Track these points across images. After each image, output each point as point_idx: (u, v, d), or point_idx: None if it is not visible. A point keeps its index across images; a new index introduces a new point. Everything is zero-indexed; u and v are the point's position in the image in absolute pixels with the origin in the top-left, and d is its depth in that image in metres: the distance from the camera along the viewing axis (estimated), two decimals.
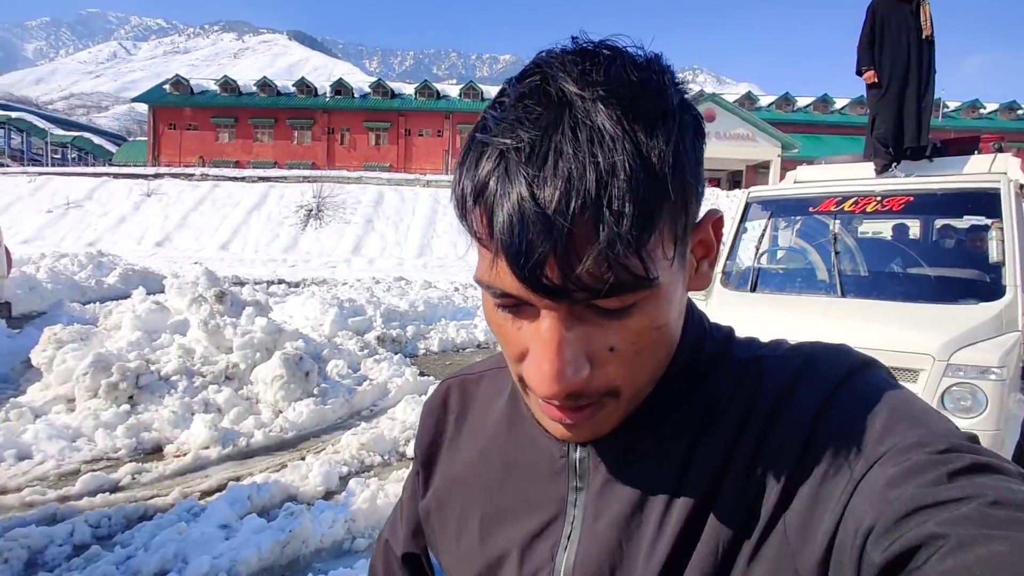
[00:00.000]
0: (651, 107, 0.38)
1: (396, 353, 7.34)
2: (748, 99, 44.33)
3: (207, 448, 4.07)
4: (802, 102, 44.12)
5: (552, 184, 0.36)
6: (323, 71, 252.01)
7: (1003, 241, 3.50)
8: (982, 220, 3.76)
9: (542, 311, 0.40)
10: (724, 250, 4.39)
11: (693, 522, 0.44)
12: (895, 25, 4.44)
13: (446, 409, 0.62)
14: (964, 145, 4.44)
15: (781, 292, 4.02)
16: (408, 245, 26.26)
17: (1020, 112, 41.03)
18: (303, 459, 4.04)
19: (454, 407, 0.61)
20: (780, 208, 4.46)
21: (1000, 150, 4.25)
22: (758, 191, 4.59)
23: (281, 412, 4.78)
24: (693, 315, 0.50)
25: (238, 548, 2.69)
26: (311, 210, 27.88)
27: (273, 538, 2.76)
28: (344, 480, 3.74)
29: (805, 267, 4.20)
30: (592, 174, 0.36)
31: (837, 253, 3.90)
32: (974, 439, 0.40)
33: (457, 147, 45.25)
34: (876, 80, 4.34)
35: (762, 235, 4.47)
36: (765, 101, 44.56)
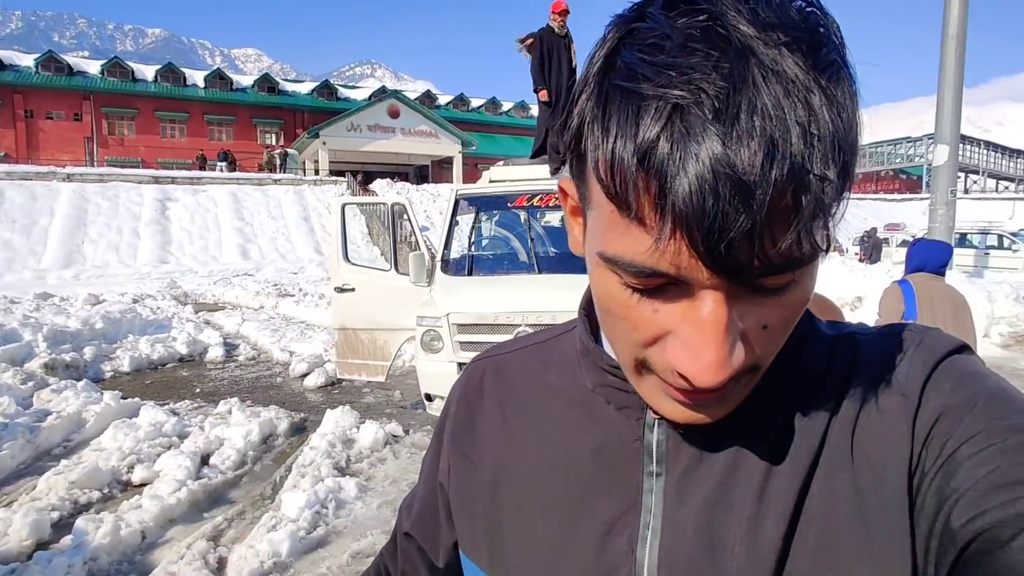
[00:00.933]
0: (832, 56, 0.33)
1: (77, 380, 6.24)
2: (428, 97, 47.13)
3: None
4: (475, 103, 48.72)
5: (751, 145, 0.31)
6: None
7: None
8: None
9: (701, 291, 0.35)
10: (441, 241, 4.98)
11: (795, 503, 0.41)
12: (556, 54, 5.55)
13: (482, 391, 0.56)
14: None
15: (493, 273, 4.77)
16: (48, 254, 21.40)
17: None
18: None
19: (491, 388, 0.56)
20: (484, 203, 5.22)
21: None
22: (464, 189, 5.28)
23: None
24: None
25: None
26: None
27: None
28: (59, 526, 3.24)
29: (508, 252, 5.04)
30: (797, 134, 0.31)
31: (532, 239, 4.80)
32: None
33: (105, 134, 38.33)
34: (548, 98, 5.38)
35: (472, 227, 5.19)
36: (443, 100, 47.93)
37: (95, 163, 34.45)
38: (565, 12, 5.52)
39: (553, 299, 4.09)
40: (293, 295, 14.65)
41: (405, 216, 5.24)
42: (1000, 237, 18.99)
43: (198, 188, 27.48)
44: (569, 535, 0.47)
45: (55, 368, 6.64)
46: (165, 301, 13.42)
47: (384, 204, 5.35)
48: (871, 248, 19.99)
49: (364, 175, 30.93)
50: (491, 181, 5.61)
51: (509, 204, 4.98)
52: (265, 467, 4.34)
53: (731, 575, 0.41)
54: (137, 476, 3.91)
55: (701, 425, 0.42)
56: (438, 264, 4.87)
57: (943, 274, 2.99)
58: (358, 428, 4.71)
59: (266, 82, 43.36)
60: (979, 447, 0.37)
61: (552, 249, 4.98)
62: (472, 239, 5.11)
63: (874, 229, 22.70)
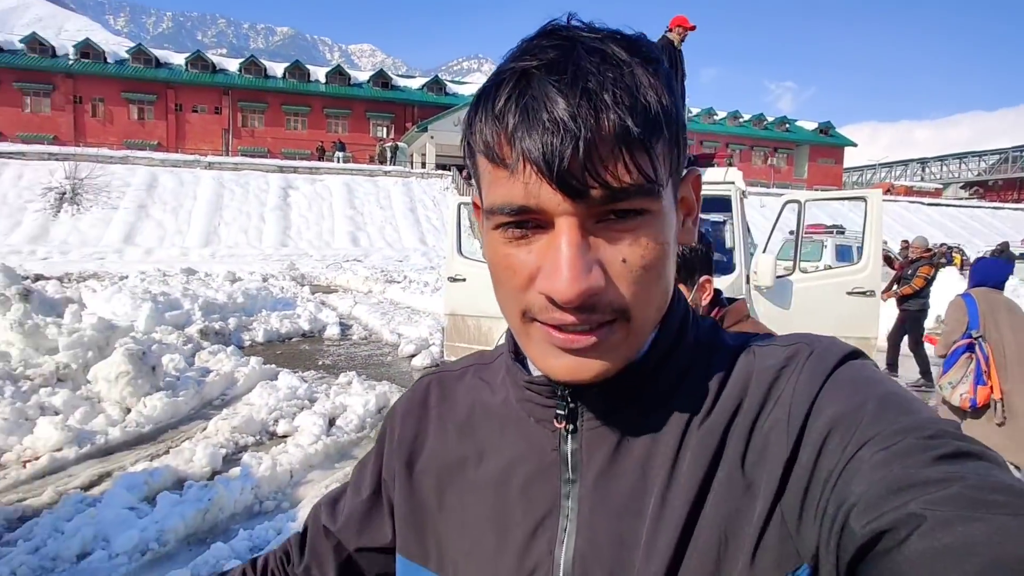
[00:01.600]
0: (649, 52, 0.43)
1: (224, 345, 7.25)
2: None
3: (60, 450, 3.96)
4: None
5: (574, 90, 0.39)
6: (51, 24, 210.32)
7: (733, 233, 4.97)
8: (720, 217, 5.25)
9: (558, 221, 0.41)
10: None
11: (693, 510, 0.44)
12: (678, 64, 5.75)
13: (427, 406, 0.61)
14: (706, 159, 5.98)
15: None
16: (192, 233, 24.04)
17: (740, 120, 50.37)
18: (175, 446, 4.15)
19: (435, 403, 0.60)
20: None
21: (730, 164, 5.85)
22: None
23: (130, 409, 4.71)
24: (679, 300, 0.52)
25: (161, 520, 2.93)
26: (64, 193, 23.98)
27: (194, 508, 3.03)
28: (227, 460, 3.99)
29: None
30: (610, 83, 0.40)
31: None
32: (958, 427, 0.40)
33: (239, 126, 41.96)
34: None
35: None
36: None
37: (230, 153, 37.91)
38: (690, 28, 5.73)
39: None
40: (399, 282, 15.66)
41: None
42: None
43: (316, 178, 29.69)
44: (501, 539, 0.50)
45: (207, 334, 7.73)
46: (287, 282, 14.81)
47: (463, 203, 5.84)
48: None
49: (463, 169, 32.02)
50: None
51: None
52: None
53: (636, 574, 0.44)
54: (280, 428, 4.64)
55: (603, 436, 0.48)
56: (454, 249, 5.32)
57: (1002, 289, 3.26)
58: None
59: (380, 77, 45.77)
60: (874, 450, 0.39)
61: None
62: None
63: (1006, 243, 20.73)
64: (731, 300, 1.89)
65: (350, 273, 18.22)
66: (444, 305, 5.97)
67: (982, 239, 29.13)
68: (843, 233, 14.03)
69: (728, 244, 5.00)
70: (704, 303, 1.77)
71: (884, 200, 5.00)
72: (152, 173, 27.19)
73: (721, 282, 4.58)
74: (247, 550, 2.86)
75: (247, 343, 8.15)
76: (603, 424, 0.49)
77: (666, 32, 5.82)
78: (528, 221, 0.43)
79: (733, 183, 5.32)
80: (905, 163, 64.25)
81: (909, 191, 47.51)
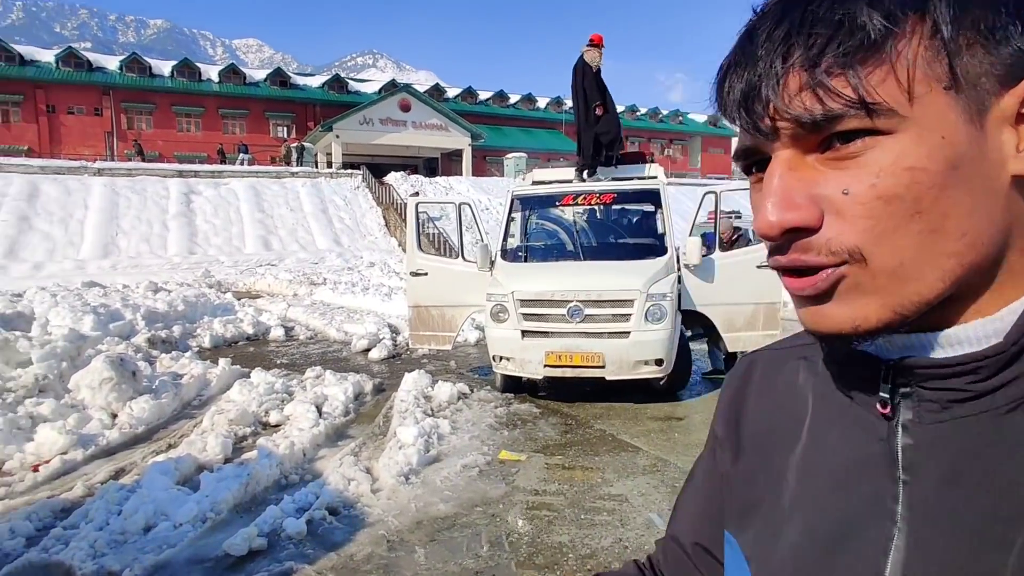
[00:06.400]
0: None
1: (173, 352, 7.30)
2: (437, 91, 47.95)
3: (66, 453, 4.13)
4: (483, 95, 49.54)
5: (767, 25, 0.37)
6: None
7: (663, 220, 5.81)
8: (651, 207, 6.07)
9: (773, 157, 0.39)
10: (500, 233, 6.01)
11: None
12: (578, 76, 6.36)
13: (748, 381, 0.58)
14: (634, 157, 6.80)
15: (545, 261, 5.80)
16: (87, 245, 22.50)
17: (638, 113, 53.11)
18: (176, 442, 4.40)
19: (757, 380, 0.57)
20: (537, 202, 6.24)
21: (652, 161, 6.69)
22: (519, 190, 6.30)
23: (116, 413, 4.86)
24: None
25: (212, 494, 3.28)
26: None
27: (237, 482, 3.40)
28: (234, 448, 4.31)
29: (557, 242, 6.08)
30: (801, 5, 0.37)
31: (577, 231, 5.84)
32: None
33: (124, 128, 39.20)
34: (600, 112, 6.20)
35: (525, 222, 6.22)
36: (452, 93, 48.75)
37: (114, 157, 35.38)
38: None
39: (598, 280, 5.13)
40: (320, 284, 15.72)
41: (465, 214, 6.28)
42: None
43: (219, 181, 28.50)
44: (812, 529, 0.45)
45: (155, 343, 7.70)
46: (206, 289, 14.45)
47: (453, 203, 6.36)
48: None
49: (372, 168, 31.85)
50: (534, 182, 6.60)
51: (557, 203, 6.01)
52: (364, 415, 5.40)
53: None
54: (273, 419, 4.98)
55: (954, 433, 0.39)
56: (498, 252, 5.90)
57: None
58: (432, 387, 5.76)
59: (278, 76, 44.25)
60: None
61: (593, 240, 6.02)
62: (526, 231, 6.17)
63: None
64: None
65: (270, 278, 17.96)
66: (408, 298, 6.44)
67: None
68: (740, 217, 15.60)
69: (659, 230, 5.84)
70: None
71: None
72: (31, 181, 25.06)
73: (655, 263, 5.39)
74: (294, 511, 3.29)
75: (195, 349, 8.16)
76: (949, 417, 0.40)
77: (584, 51, 6.32)
78: (757, 163, 0.42)
79: (655, 177, 6.17)
80: None
81: None
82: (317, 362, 7.60)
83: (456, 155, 40.14)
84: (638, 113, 53.53)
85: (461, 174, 36.52)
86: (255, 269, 20.79)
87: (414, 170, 37.07)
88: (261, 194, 28.30)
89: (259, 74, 44.48)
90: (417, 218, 6.25)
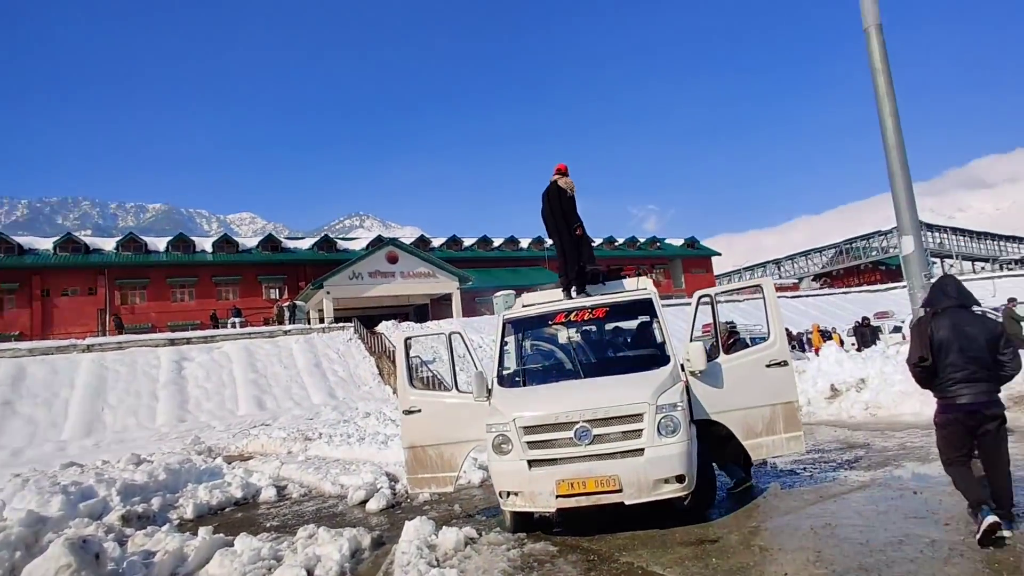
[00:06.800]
0: None
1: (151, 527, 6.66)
2: (423, 241, 49.93)
3: None
4: (467, 241, 51.54)
5: None
6: None
7: (660, 329, 5.64)
8: (646, 318, 5.93)
9: None
10: (495, 359, 5.78)
11: None
12: (554, 201, 6.49)
13: None
14: (619, 273, 6.79)
15: (545, 383, 5.53)
16: (69, 425, 21.75)
17: (616, 244, 55.15)
18: None
19: None
20: (528, 324, 6.09)
21: (640, 274, 6.67)
22: (510, 314, 6.17)
23: None
24: None
25: None
26: None
27: None
28: None
29: (554, 363, 5.84)
30: None
31: (574, 350, 5.63)
32: None
33: (117, 304, 39.84)
34: (580, 233, 6.27)
35: (520, 345, 6.03)
36: (437, 242, 50.71)
37: (106, 332, 35.49)
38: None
39: (604, 398, 4.84)
40: (316, 439, 15.06)
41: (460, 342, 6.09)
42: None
43: (212, 346, 28.43)
44: None
45: (130, 520, 7.07)
46: (192, 456, 13.73)
47: (443, 333, 6.20)
48: (866, 336, 20.95)
49: (364, 319, 32.11)
50: (524, 305, 6.50)
51: (550, 322, 5.86)
52: (363, 574, 4.80)
53: None
54: None
55: None
56: (495, 380, 5.64)
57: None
58: (436, 534, 5.20)
59: (269, 242, 46.08)
60: None
61: (592, 356, 5.80)
62: (521, 355, 5.94)
63: (866, 319, 23.68)
64: None
65: (264, 438, 17.22)
66: (403, 439, 6.04)
67: (841, 320, 32.86)
68: (735, 328, 15.55)
69: (659, 339, 5.65)
70: None
71: (756, 299, 5.93)
72: (18, 364, 24.80)
73: (659, 373, 5.14)
74: None
75: (175, 520, 7.50)
76: None
77: (557, 178, 6.49)
78: None
79: (645, 288, 6.11)
80: (763, 265, 72.60)
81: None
82: (311, 520, 6.97)
83: (445, 299, 40.84)
84: (617, 243, 55.62)
85: (452, 316, 36.90)
86: (248, 431, 20.04)
87: (405, 317, 37.46)
88: (254, 354, 28.14)
89: (251, 242, 46.30)
90: (407, 354, 6.05)
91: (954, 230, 66.45)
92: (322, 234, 50.58)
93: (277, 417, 22.31)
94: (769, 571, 3.83)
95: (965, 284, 4.51)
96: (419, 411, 5.88)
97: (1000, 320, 6.23)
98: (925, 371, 4.08)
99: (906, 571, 3.53)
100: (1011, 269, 56.61)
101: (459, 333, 6.03)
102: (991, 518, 3.68)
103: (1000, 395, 3.99)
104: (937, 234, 62.72)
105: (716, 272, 62.95)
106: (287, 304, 35.53)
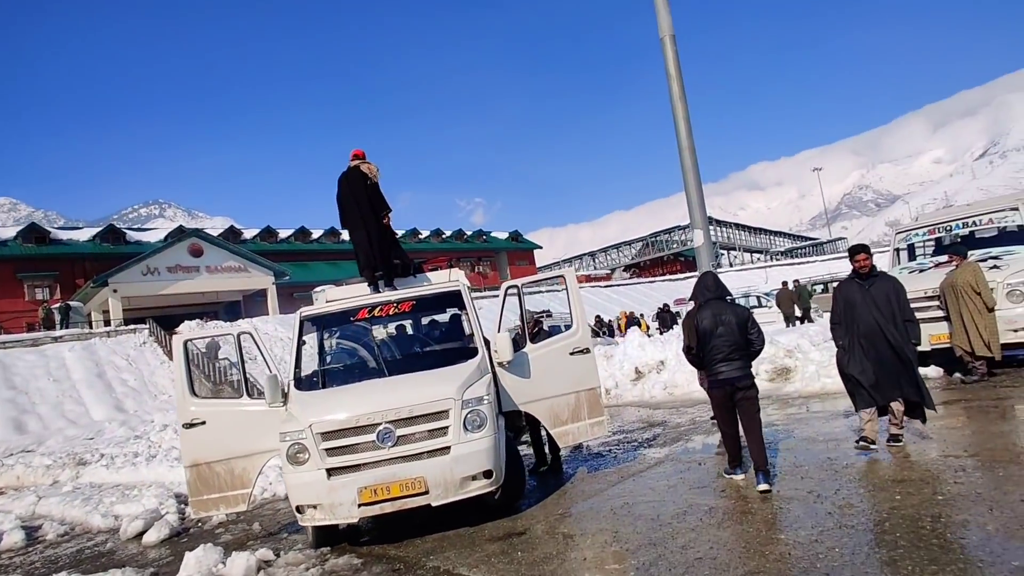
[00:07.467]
0: None
1: None
2: (233, 233, 45.58)
3: None
4: (283, 233, 48.07)
5: None
6: None
7: (469, 321, 5.52)
8: (455, 310, 5.77)
9: None
10: (292, 360, 5.25)
11: None
12: (356, 186, 6.03)
13: None
14: (431, 265, 6.58)
15: (346, 383, 5.11)
16: None
17: (443, 236, 55.17)
18: None
19: None
20: (328, 321, 5.62)
21: (451, 266, 6.51)
22: (308, 310, 5.64)
23: None
24: None
25: None
26: None
27: None
28: None
29: (357, 361, 5.44)
30: None
31: (378, 347, 5.28)
32: None
33: None
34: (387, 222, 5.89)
35: (320, 344, 5.52)
36: (249, 234, 46.63)
37: None
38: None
39: (408, 396, 4.58)
40: (101, 460, 12.94)
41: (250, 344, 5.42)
42: (758, 298, 23.52)
43: None
44: None
45: None
46: None
47: (231, 334, 5.48)
48: (667, 320, 23.34)
49: (163, 320, 28.57)
50: (328, 301, 6.02)
51: (353, 318, 5.45)
52: None
53: None
54: None
55: None
56: (291, 382, 5.10)
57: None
58: (224, 563, 4.58)
59: (33, 232, 38.90)
60: None
61: (397, 353, 5.49)
62: (321, 355, 5.45)
63: (666, 305, 26.26)
64: None
65: (21, 467, 14.40)
66: (184, 457, 5.26)
67: (648, 307, 36.19)
68: (551, 316, 16.27)
69: (467, 332, 5.52)
70: None
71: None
72: None
73: (466, 367, 5.00)
74: None
75: None
76: None
77: (359, 163, 6.03)
78: None
79: (458, 280, 5.96)
80: (580, 257, 77.82)
81: (588, 278, 57.36)
82: (67, 566, 5.81)
83: (260, 295, 37.78)
84: (444, 236, 55.73)
85: (268, 313, 34.21)
86: (3, 461, 16.67)
87: (214, 316, 33.97)
88: (11, 368, 23.55)
89: (9, 232, 38.80)
90: (187, 358, 5.26)
91: (737, 226, 76.71)
92: (108, 223, 43.78)
93: (43, 441, 18.86)
94: (570, 557, 3.86)
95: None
96: (203, 423, 5.15)
97: (747, 307, 7.32)
98: (694, 355, 4.84)
99: (688, 540, 3.77)
100: (778, 259, 66.96)
101: (249, 333, 5.38)
102: (739, 475, 4.76)
103: (752, 370, 4.77)
104: (724, 229, 71.88)
105: (539, 264, 65.90)
106: (58, 306, 30.22)
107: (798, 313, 19.63)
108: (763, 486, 4.41)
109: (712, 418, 7.54)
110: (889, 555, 3.14)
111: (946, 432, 5.29)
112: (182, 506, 7.20)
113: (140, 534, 6.40)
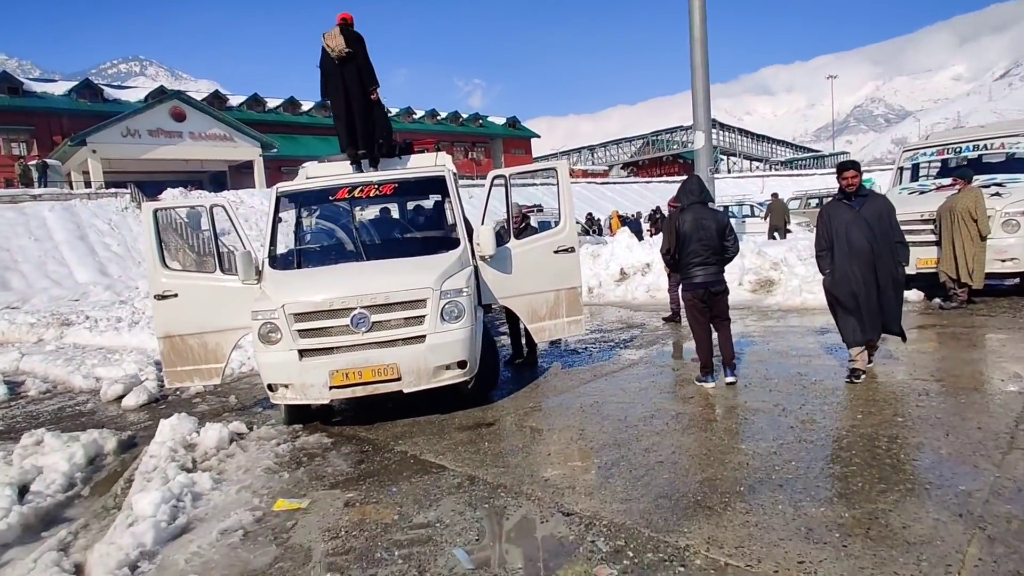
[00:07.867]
0: None
1: None
2: (218, 98, 43.49)
3: None
4: (272, 103, 45.99)
5: None
6: None
7: (453, 210, 5.33)
8: (439, 197, 5.56)
9: None
10: (267, 238, 5.08)
11: None
12: (334, 65, 5.57)
13: None
14: (419, 147, 6.25)
15: (322, 264, 5.00)
16: None
17: (438, 117, 53.19)
18: None
19: None
20: (305, 199, 5.40)
21: (439, 149, 6.20)
22: (285, 187, 5.39)
23: None
24: None
25: None
26: None
27: None
28: None
29: (334, 243, 5.29)
30: None
31: (356, 229, 5.11)
32: None
33: None
34: (375, 98, 5.47)
35: (297, 222, 5.34)
36: (235, 101, 44.55)
37: None
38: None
39: (385, 283, 4.48)
40: (79, 323, 13.04)
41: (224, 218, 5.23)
42: (751, 207, 23.20)
43: None
44: None
45: None
46: None
47: (203, 206, 5.26)
48: (659, 223, 23.13)
49: (145, 186, 27.90)
50: (308, 178, 5.76)
51: (331, 197, 5.23)
52: (101, 485, 4.17)
53: None
54: None
55: None
56: (265, 260, 4.98)
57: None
58: (198, 432, 4.67)
59: (6, 82, 36.84)
60: None
61: (376, 237, 5.34)
62: (297, 233, 5.28)
63: (658, 207, 25.99)
64: None
65: (5, 323, 14.52)
66: (156, 328, 5.22)
67: (643, 208, 35.82)
68: (542, 211, 16.02)
69: (450, 221, 5.34)
70: None
71: (571, 182, 5.84)
72: None
73: (447, 257, 4.88)
74: None
75: None
76: None
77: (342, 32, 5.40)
78: None
79: (444, 165, 5.68)
80: (579, 150, 75.74)
81: (585, 173, 56.24)
82: (48, 422, 5.95)
83: (247, 167, 36.73)
84: (439, 117, 53.74)
85: (254, 186, 33.44)
86: None
87: (198, 186, 33.12)
88: None
89: None
90: (157, 228, 5.08)
91: (741, 131, 74.44)
92: (84, 78, 41.45)
93: (28, 299, 18.95)
94: (535, 451, 3.96)
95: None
96: (175, 296, 5.06)
97: (727, 214, 7.25)
98: (672, 259, 4.96)
99: (651, 443, 3.85)
100: (777, 170, 65.79)
101: (223, 206, 5.16)
102: (710, 384, 4.92)
103: (725, 275, 4.94)
104: (727, 133, 69.86)
105: (536, 154, 64.29)
106: (35, 163, 29.24)
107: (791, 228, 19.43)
108: (730, 378, 4.85)
109: (665, 319, 8.26)
110: (842, 471, 3.22)
111: (916, 356, 5.36)
112: (161, 374, 7.32)
113: (120, 397, 6.53)
